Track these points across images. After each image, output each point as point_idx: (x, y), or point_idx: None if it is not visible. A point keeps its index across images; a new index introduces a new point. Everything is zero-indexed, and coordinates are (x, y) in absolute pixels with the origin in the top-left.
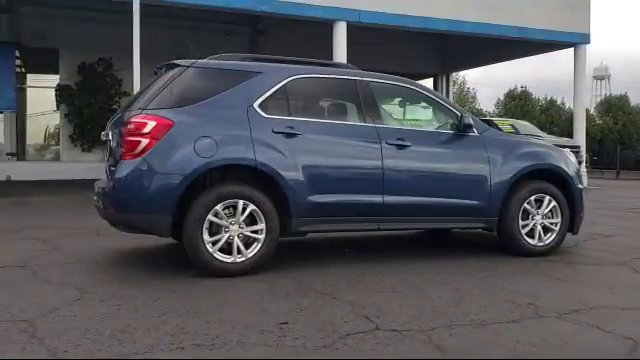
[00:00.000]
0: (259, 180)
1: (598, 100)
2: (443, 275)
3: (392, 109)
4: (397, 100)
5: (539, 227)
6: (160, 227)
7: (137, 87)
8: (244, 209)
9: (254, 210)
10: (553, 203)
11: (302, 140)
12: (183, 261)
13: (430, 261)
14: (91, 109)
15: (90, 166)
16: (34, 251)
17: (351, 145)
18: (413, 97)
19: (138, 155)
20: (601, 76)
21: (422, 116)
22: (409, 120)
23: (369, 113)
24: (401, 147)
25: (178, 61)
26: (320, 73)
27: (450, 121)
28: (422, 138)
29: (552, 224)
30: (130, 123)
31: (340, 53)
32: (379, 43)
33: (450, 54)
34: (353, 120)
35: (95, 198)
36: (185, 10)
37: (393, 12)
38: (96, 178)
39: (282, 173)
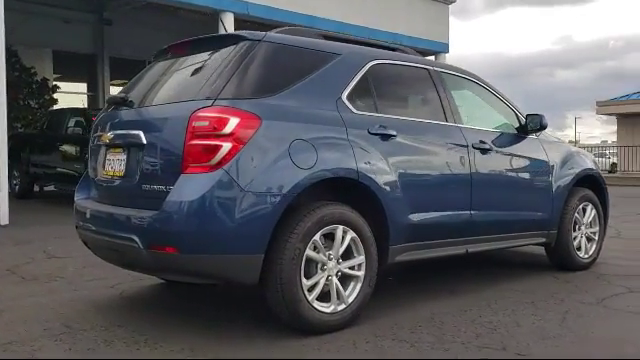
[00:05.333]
0: (353, 197)
1: None
2: (549, 302)
3: None
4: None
5: (584, 238)
6: (248, 272)
7: (2, 80)
8: (343, 238)
9: (353, 238)
10: (594, 211)
11: (398, 143)
12: (208, 309)
13: (498, 284)
14: None
15: None
16: None
17: (444, 149)
18: (477, 92)
19: (215, 167)
20: None
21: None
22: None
23: (448, 109)
24: (484, 151)
25: (243, 32)
26: (396, 59)
27: (508, 122)
28: (499, 140)
29: (593, 234)
30: (200, 119)
31: None
32: None
33: None
34: (436, 118)
35: (107, 231)
36: None
37: (282, 7)
38: None
39: (383, 187)
